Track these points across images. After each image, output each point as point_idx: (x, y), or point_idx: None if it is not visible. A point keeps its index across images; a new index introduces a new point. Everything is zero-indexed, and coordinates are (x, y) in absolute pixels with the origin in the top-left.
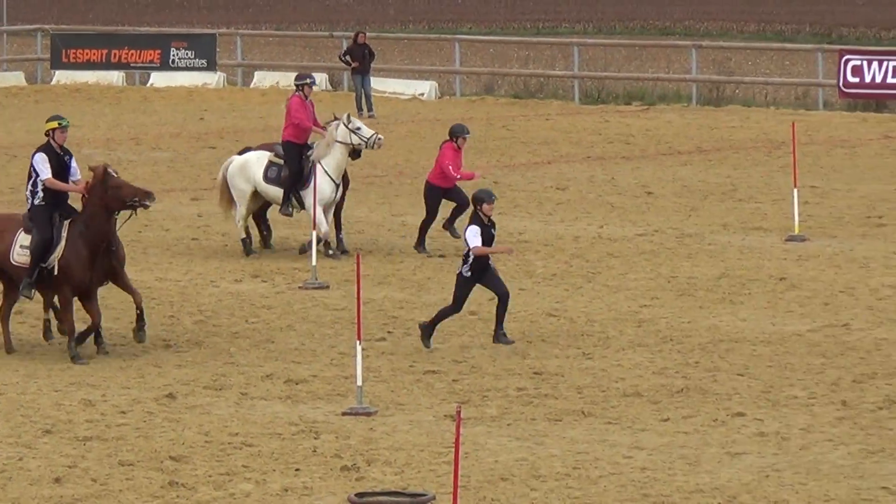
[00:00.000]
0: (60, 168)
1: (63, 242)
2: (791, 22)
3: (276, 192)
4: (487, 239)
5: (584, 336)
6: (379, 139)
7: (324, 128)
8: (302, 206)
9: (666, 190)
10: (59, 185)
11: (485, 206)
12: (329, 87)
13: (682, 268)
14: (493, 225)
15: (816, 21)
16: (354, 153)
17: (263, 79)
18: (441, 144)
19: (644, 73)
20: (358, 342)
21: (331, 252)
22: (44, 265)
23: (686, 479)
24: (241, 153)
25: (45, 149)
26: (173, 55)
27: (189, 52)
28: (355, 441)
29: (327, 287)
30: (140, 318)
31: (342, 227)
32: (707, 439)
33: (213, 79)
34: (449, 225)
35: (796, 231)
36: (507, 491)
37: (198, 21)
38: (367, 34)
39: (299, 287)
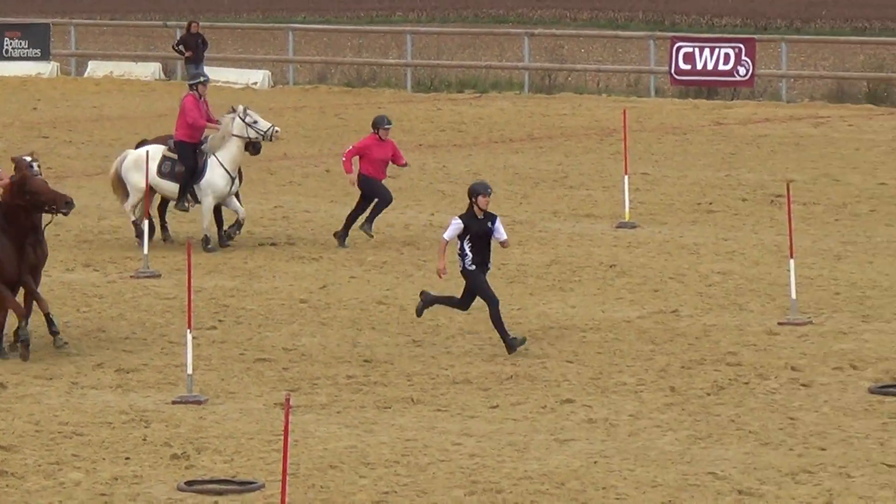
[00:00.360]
0: None
1: None
2: (623, 10)
3: (169, 187)
4: (478, 234)
5: (414, 323)
6: (276, 131)
7: (217, 122)
8: (196, 200)
9: (497, 177)
10: None
11: (480, 198)
12: (163, 77)
13: (512, 255)
14: (492, 218)
15: (649, 9)
16: (253, 147)
17: (97, 68)
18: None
19: (477, 61)
20: (188, 331)
21: (210, 246)
22: None
23: (515, 465)
24: (137, 146)
25: None
26: (7, 45)
27: (23, 42)
28: (185, 429)
29: (159, 276)
30: (50, 322)
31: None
32: (536, 426)
33: (46, 68)
34: (367, 224)
35: (627, 218)
36: (336, 478)
37: (31, 11)
38: (201, 23)
39: (131, 276)
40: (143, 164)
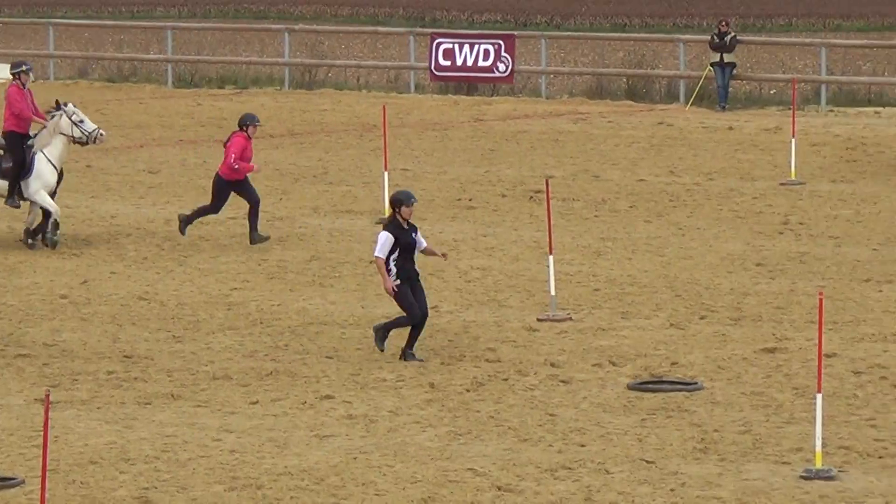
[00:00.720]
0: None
1: None
2: (384, 6)
3: None
4: (405, 246)
5: (175, 319)
6: (101, 134)
7: (44, 116)
8: (23, 196)
9: (258, 173)
10: None
11: (404, 208)
12: None
13: (272, 251)
14: (414, 229)
15: (409, 5)
16: (77, 142)
17: None
18: (230, 135)
19: (237, 56)
20: None
21: (30, 241)
22: None
23: (275, 461)
24: None
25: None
26: None
27: None
28: None
29: None
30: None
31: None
32: (296, 422)
33: None
34: (253, 234)
35: (386, 214)
36: (96, 474)
37: None
38: None
39: None
40: None
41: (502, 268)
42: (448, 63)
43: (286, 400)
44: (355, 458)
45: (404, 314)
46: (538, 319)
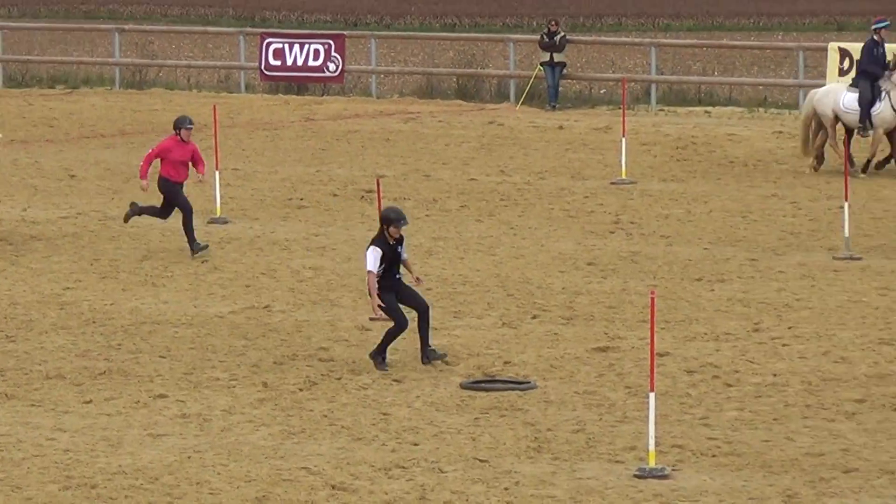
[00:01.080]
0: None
1: None
2: (213, 6)
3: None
4: (392, 259)
5: (8, 319)
6: None
7: None
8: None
9: (89, 173)
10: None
11: (392, 228)
12: None
13: (105, 250)
14: (400, 242)
15: (239, 5)
16: None
17: None
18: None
19: (68, 56)
20: None
21: None
22: None
23: (108, 460)
24: None
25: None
26: None
27: None
28: None
29: None
30: None
31: None
32: (129, 421)
33: None
34: (193, 244)
35: (218, 213)
36: None
37: None
38: None
39: None
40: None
41: (335, 267)
42: (278, 63)
43: (119, 399)
44: (189, 458)
45: (391, 327)
46: (370, 319)
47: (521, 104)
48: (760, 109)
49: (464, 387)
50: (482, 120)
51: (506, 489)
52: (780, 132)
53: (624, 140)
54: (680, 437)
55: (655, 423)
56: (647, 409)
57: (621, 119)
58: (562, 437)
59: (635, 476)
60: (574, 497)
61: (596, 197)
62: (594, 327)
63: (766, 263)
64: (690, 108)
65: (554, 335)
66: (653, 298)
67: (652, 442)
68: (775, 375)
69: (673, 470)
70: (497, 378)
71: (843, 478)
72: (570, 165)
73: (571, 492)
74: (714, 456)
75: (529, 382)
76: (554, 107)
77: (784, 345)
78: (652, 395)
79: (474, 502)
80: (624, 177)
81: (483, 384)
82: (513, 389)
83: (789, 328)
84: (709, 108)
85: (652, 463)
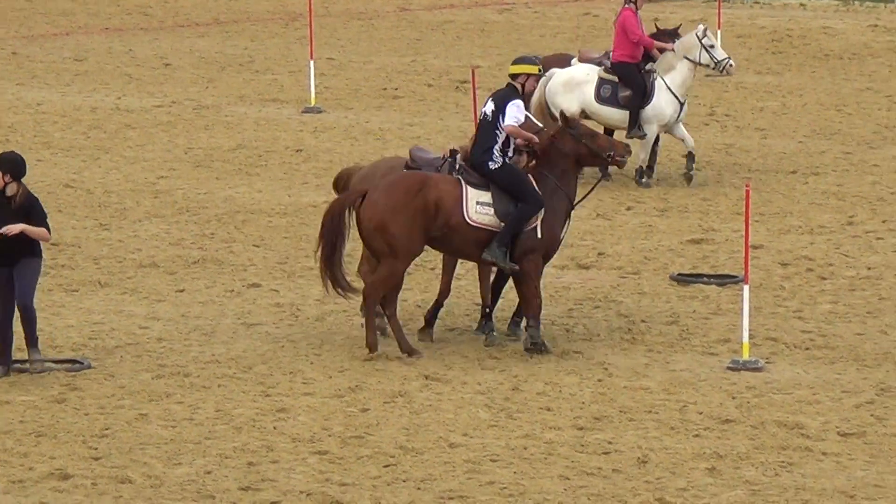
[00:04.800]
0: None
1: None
2: None
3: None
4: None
5: (102, 207)
6: (731, 65)
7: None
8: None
9: (184, 61)
10: (523, 133)
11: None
12: None
13: (199, 139)
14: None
15: None
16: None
17: None
18: None
19: None
20: None
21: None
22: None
23: (202, 349)
24: None
25: (517, 93)
26: None
27: None
28: None
29: None
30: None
31: None
32: (223, 310)
33: None
34: None
35: (313, 103)
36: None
37: None
38: None
39: None
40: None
41: None
42: None
43: (213, 288)
44: (283, 347)
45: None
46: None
47: None
48: (856, 2)
49: (672, 278)
50: (577, 11)
51: (599, 380)
52: (876, 25)
53: (719, 32)
54: (774, 329)
55: (749, 316)
56: (742, 301)
57: (717, 11)
58: (655, 329)
59: (728, 368)
60: (667, 389)
61: (691, 89)
62: (688, 219)
63: (861, 157)
64: (786, 1)
65: (648, 227)
66: (748, 191)
67: (746, 334)
68: (869, 269)
69: (766, 362)
70: (704, 273)
71: None
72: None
73: (664, 383)
74: (808, 349)
75: (735, 277)
76: None
77: (878, 238)
78: (746, 287)
79: (567, 393)
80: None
81: (690, 278)
82: (719, 284)
83: (883, 222)
84: (804, 1)
85: (745, 355)
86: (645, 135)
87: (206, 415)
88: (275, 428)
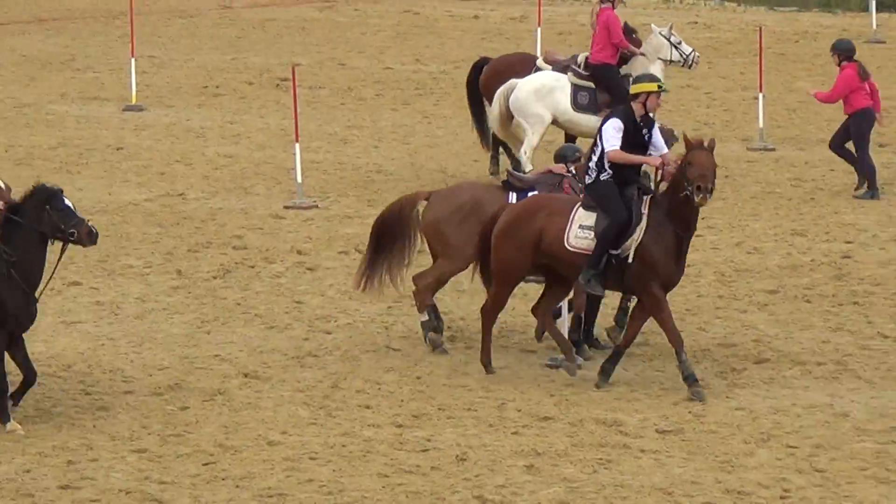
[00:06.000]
0: (635, 144)
1: (644, 224)
2: None
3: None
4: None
5: None
6: (697, 57)
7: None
8: None
9: (4, 59)
10: (628, 157)
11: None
12: None
13: (19, 137)
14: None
15: None
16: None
17: None
18: None
19: None
20: None
21: None
22: (615, 252)
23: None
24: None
25: (622, 114)
26: None
27: None
28: None
29: None
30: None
31: None
32: (43, 308)
33: None
34: None
35: (134, 101)
36: None
37: None
38: None
39: None
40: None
41: (249, 155)
42: None
43: None
44: (102, 345)
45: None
46: (285, 207)
47: None
48: (675, 0)
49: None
50: (398, 8)
51: (418, 378)
52: (696, 23)
53: (539, 30)
54: (594, 328)
55: (567, 316)
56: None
57: (537, 9)
58: (475, 327)
59: (547, 366)
60: (486, 386)
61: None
62: None
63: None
64: None
65: None
66: (565, 188)
67: (565, 332)
68: (689, 266)
69: (584, 360)
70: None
71: (755, 368)
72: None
73: (483, 381)
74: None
75: None
76: None
77: (697, 236)
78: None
79: (386, 391)
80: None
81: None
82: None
83: (702, 219)
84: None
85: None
86: None
87: (25, 413)
88: (94, 426)
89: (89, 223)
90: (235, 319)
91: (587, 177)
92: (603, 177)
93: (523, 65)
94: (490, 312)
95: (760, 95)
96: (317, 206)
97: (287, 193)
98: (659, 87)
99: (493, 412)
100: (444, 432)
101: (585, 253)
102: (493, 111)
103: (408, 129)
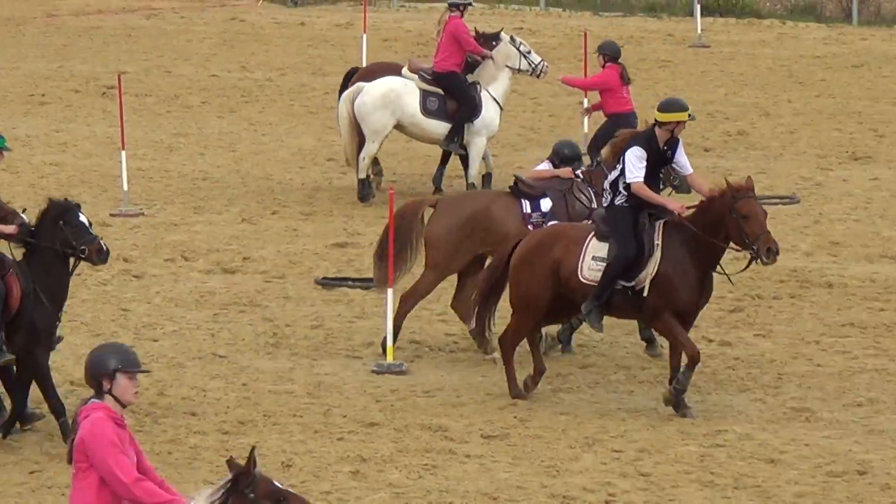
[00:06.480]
0: (657, 167)
1: (658, 255)
2: None
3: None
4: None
5: None
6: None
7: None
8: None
9: None
10: (651, 195)
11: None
12: None
13: None
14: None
15: None
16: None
17: None
18: None
19: None
20: None
21: None
22: (626, 284)
23: None
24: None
25: (645, 141)
26: None
27: None
28: None
29: None
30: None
31: None
32: None
33: None
34: None
35: None
36: None
37: None
38: None
39: None
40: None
41: (75, 163)
42: None
43: None
44: None
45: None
46: (111, 214)
47: (263, 0)
48: (502, 6)
49: (317, 282)
50: (224, 16)
51: (244, 385)
52: (521, 28)
53: (365, 36)
54: (418, 332)
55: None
56: (386, 304)
57: (362, 15)
58: (300, 333)
59: (373, 372)
60: (312, 393)
61: (336, 93)
62: (333, 223)
63: (506, 159)
64: (431, 4)
65: (293, 231)
66: (391, 194)
67: (390, 338)
68: None
69: (410, 365)
70: (349, 277)
71: (580, 373)
72: (311, 62)
73: (309, 387)
74: (451, 352)
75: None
76: (296, 3)
77: None
78: (390, 290)
79: (212, 398)
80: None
81: (335, 281)
82: (363, 287)
83: None
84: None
85: (390, 359)
86: (463, 151)
87: None
88: None
89: (101, 240)
90: (61, 328)
91: (604, 198)
92: (618, 201)
93: (390, 73)
94: (509, 343)
95: (585, 101)
96: (143, 214)
97: (113, 201)
98: (689, 115)
99: (318, 418)
100: (269, 439)
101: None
102: (341, 115)
103: (234, 137)
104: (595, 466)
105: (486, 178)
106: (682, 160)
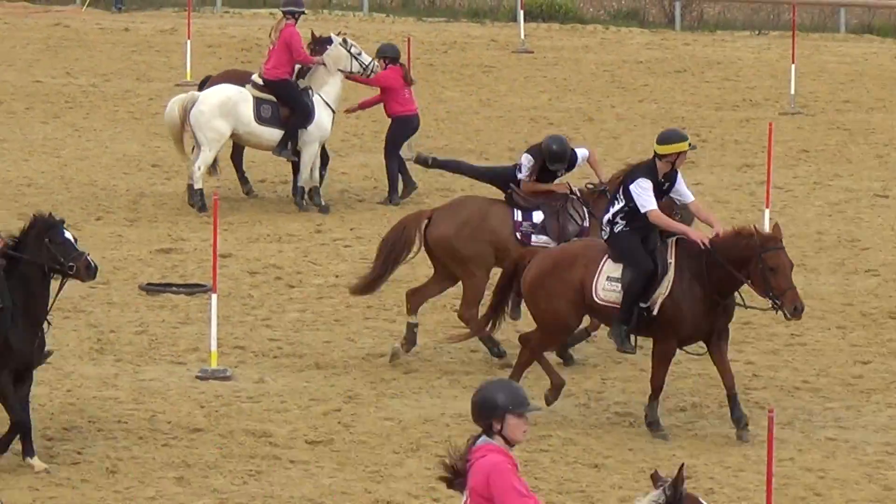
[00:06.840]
0: (658, 193)
1: (671, 275)
2: None
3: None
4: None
5: None
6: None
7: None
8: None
9: None
10: (670, 223)
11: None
12: None
13: None
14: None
15: None
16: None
17: None
18: None
19: None
20: None
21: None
22: (643, 305)
23: None
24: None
25: (647, 171)
26: None
27: None
28: None
29: None
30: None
31: None
32: None
33: None
34: None
35: None
36: None
37: None
38: None
39: None
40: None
41: None
42: None
43: None
44: None
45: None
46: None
47: (87, 6)
48: (325, 11)
49: (142, 288)
50: (48, 22)
51: (68, 391)
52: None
53: (189, 42)
54: (242, 338)
55: (218, 325)
56: (210, 310)
57: (187, 21)
58: (125, 339)
59: (197, 377)
60: (136, 398)
61: (161, 99)
62: (157, 229)
63: (331, 165)
64: (256, 10)
65: (118, 237)
66: (216, 200)
67: (214, 343)
68: (337, 276)
69: (234, 370)
70: (173, 283)
71: (404, 378)
72: (135, 68)
73: (134, 393)
74: (276, 357)
75: (204, 286)
76: (120, 9)
77: (346, 246)
78: (214, 296)
79: (37, 403)
80: (189, 79)
81: (159, 287)
82: (188, 293)
83: (351, 230)
84: (273, 10)
85: (214, 364)
86: (295, 158)
87: None
88: None
89: (88, 256)
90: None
91: (602, 232)
92: (617, 229)
93: (241, 81)
94: (535, 352)
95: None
96: None
97: None
98: (690, 145)
99: (143, 424)
100: (94, 445)
101: (614, 306)
102: (171, 118)
103: (58, 142)
104: (419, 472)
105: (314, 191)
106: (682, 189)
